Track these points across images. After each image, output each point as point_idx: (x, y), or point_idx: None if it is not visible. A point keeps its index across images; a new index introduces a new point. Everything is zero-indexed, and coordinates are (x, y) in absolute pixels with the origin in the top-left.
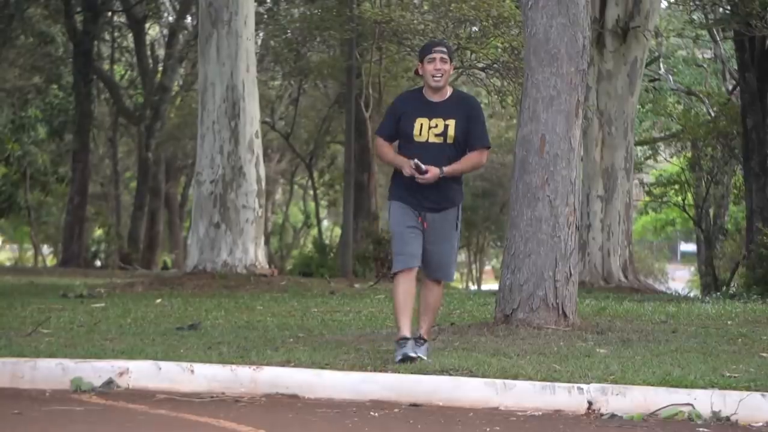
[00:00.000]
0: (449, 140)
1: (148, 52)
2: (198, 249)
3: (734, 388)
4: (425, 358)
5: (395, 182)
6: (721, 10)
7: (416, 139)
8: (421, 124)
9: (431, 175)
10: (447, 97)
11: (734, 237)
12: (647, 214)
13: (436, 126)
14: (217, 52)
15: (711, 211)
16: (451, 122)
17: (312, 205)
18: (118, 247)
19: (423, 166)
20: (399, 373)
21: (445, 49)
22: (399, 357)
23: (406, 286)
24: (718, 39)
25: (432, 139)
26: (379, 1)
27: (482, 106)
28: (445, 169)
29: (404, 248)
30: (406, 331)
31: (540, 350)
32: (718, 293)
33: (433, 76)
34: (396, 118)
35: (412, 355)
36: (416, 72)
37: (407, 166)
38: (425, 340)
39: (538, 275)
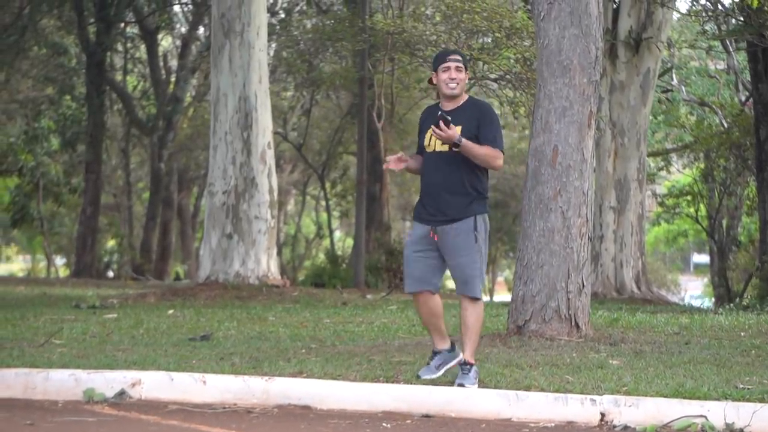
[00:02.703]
0: (455, 148)
1: (161, 63)
2: (210, 260)
3: (748, 400)
4: (472, 386)
5: (419, 198)
6: (734, 21)
7: (427, 149)
8: (431, 134)
9: (447, 134)
10: (460, 105)
11: (747, 248)
12: (660, 225)
13: None
14: (230, 63)
15: (724, 223)
16: (457, 129)
17: (324, 215)
18: (131, 257)
19: (449, 118)
20: (411, 384)
21: (459, 58)
22: (419, 375)
23: (425, 308)
24: (731, 50)
25: (439, 148)
26: (392, 12)
27: None
28: (463, 139)
29: (410, 272)
30: (435, 345)
31: (552, 361)
32: (732, 305)
33: (448, 84)
34: (421, 131)
35: (426, 377)
36: (430, 82)
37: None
38: (471, 365)
39: (550, 286)
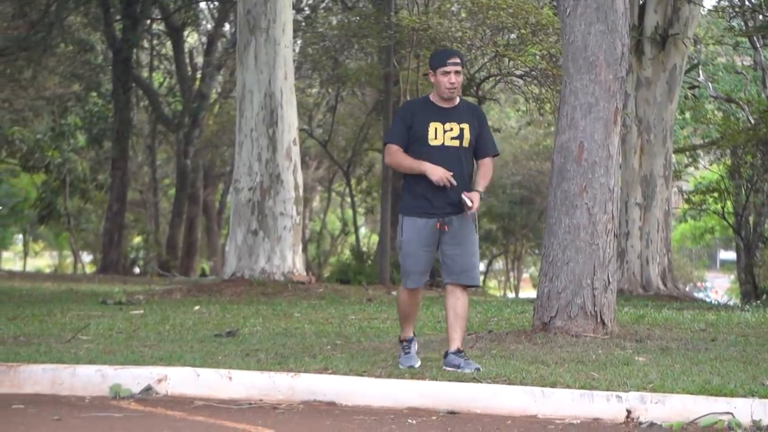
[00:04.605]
0: (465, 143)
1: (187, 60)
2: (236, 256)
3: None
4: (477, 368)
5: (410, 193)
6: (761, 17)
7: (431, 142)
8: (436, 128)
9: (477, 204)
10: (457, 103)
11: None
12: (686, 222)
13: (452, 129)
14: (256, 59)
15: (751, 219)
16: (466, 126)
17: (349, 212)
18: (157, 254)
19: (455, 183)
20: (437, 380)
21: (459, 61)
22: (404, 365)
23: (416, 300)
24: (758, 46)
25: (448, 143)
26: (417, 8)
27: (520, 113)
28: (481, 189)
29: (417, 268)
30: (410, 332)
31: (578, 358)
32: (758, 301)
33: (448, 89)
34: (407, 124)
35: (417, 365)
36: (425, 74)
37: (439, 173)
38: (463, 351)
39: (576, 283)
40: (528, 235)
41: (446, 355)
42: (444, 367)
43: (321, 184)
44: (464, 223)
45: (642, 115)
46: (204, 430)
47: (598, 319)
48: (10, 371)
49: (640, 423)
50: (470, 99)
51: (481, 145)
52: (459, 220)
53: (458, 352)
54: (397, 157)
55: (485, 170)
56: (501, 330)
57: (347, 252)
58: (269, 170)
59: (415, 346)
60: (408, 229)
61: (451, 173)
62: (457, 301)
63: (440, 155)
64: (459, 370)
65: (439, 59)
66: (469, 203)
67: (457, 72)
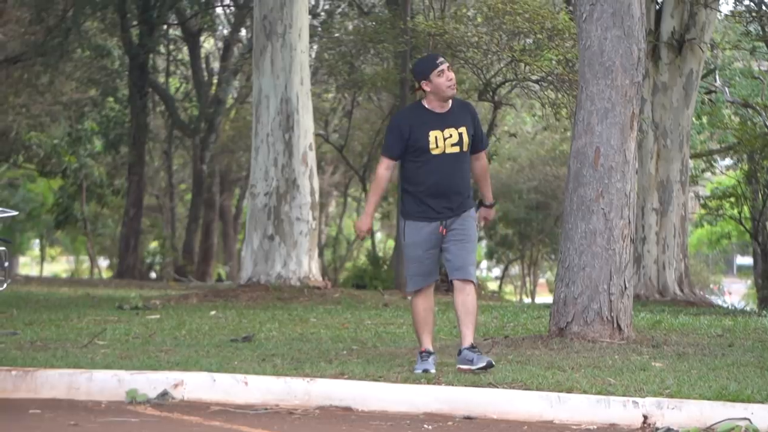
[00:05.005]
0: (465, 148)
1: (203, 65)
2: (252, 261)
3: None
4: (489, 362)
5: (411, 197)
6: None
7: (433, 152)
8: (435, 137)
9: (492, 215)
10: (452, 105)
11: None
12: (703, 227)
13: (451, 136)
14: (272, 64)
15: None
16: (463, 129)
17: None
18: (173, 259)
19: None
20: (453, 386)
21: (444, 59)
22: (419, 370)
23: (426, 303)
24: None
25: (449, 150)
26: (433, 13)
27: (536, 118)
28: (491, 200)
29: (421, 270)
30: (428, 345)
31: (594, 364)
32: None
33: (449, 86)
34: (404, 136)
35: (433, 371)
36: (417, 89)
37: (360, 227)
38: (476, 347)
39: (592, 288)
40: (544, 240)
41: (459, 352)
42: (458, 366)
43: (337, 189)
44: (466, 221)
45: (658, 120)
46: None
47: (615, 325)
48: (27, 376)
49: (657, 428)
50: (486, 104)
51: (476, 141)
52: (460, 221)
53: (471, 347)
54: (382, 178)
55: (485, 173)
56: (517, 335)
57: (363, 257)
58: (285, 175)
59: (433, 359)
60: (411, 233)
61: (451, 179)
62: (467, 297)
63: (440, 163)
64: (472, 366)
65: (428, 64)
66: (483, 223)
67: (449, 67)
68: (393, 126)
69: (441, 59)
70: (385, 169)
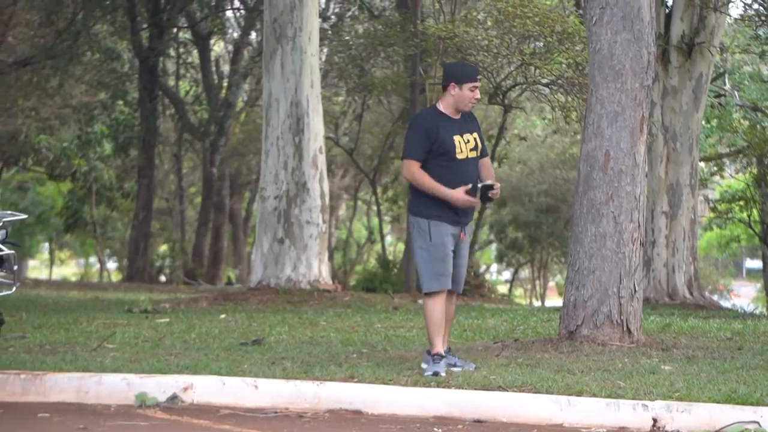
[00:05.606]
0: (479, 152)
1: (213, 68)
2: (262, 264)
3: None
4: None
5: (433, 200)
6: None
7: (458, 156)
8: (459, 141)
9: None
10: (462, 114)
11: None
12: (712, 230)
13: (469, 141)
14: (282, 68)
15: None
16: (476, 135)
17: (375, 220)
18: (183, 262)
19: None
20: (462, 389)
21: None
22: (431, 372)
23: (445, 306)
24: None
25: (470, 155)
26: (443, 17)
27: (546, 122)
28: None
29: (446, 269)
30: (441, 348)
31: (604, 367)
32: None
33: (470, 103)
34: (430, 138)
35: (443, 374)
36: (445, 88)
37: (462, 200)
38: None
39: (602, 291)
40: (554, 243)
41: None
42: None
43: (347, 193)
44: (468, 237)
45: (668, 123)
46: None
47: (624, 328)
48: (36, 380)
49: None
50: (496, 107)
51: (483, 147)
52: (467, 235)
53: (448, 351)
54: (419, 176)
55: (492, 174)
56: (527, 338)
57: (373, 260)
58: (295, 178)
59: (445, 362)
60: (436, 233)
61: (470, 184)
62: (452, 306)
63: (463, 167)
64: (433, 369)
65: (469, 74)
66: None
67: (479, 87)
68: (418, 128)
69: (479, 76)
70: (418, 173)
